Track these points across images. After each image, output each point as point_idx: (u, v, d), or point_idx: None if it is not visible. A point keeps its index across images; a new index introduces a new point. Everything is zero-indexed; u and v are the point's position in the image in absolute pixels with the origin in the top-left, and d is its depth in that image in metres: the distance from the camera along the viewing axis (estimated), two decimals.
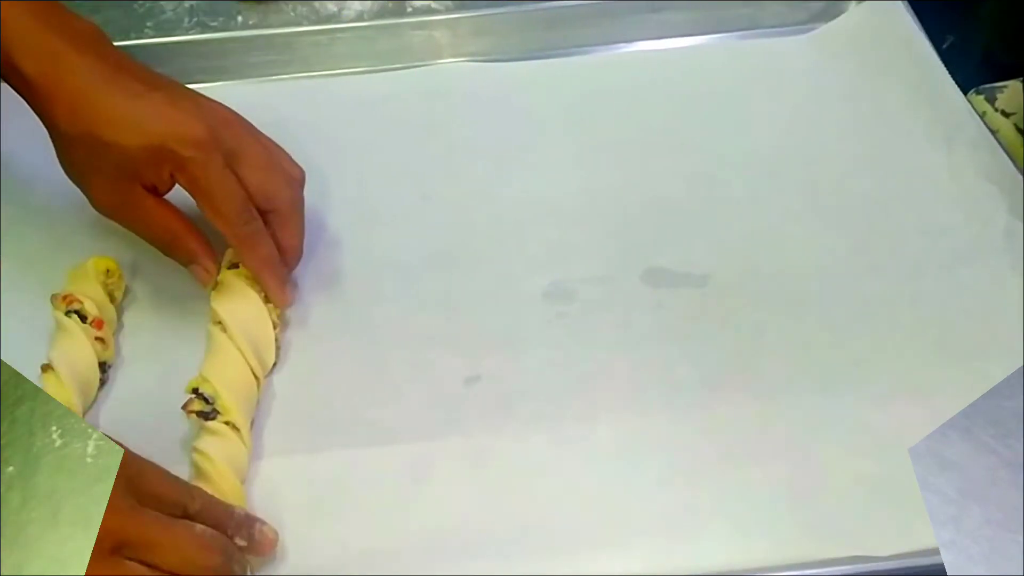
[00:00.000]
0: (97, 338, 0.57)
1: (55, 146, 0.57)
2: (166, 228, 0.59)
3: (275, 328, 0.59)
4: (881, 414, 0.55)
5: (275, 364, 0.58)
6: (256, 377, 0.56)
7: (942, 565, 0.49)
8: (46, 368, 0.55)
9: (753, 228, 0.65)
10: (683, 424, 0.55)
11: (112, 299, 0.60)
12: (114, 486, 0.41)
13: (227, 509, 0.49)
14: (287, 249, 0.60)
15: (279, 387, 0.58)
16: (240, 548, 0.48)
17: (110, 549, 0.43)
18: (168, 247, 0.59)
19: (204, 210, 0.57)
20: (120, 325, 0.61)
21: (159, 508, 0.46)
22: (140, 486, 0.46)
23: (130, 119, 0.55)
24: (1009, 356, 0.58)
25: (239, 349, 0.56)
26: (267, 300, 0.59)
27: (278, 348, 0.59)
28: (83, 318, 0.57)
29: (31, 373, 0.55)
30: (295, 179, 0.60)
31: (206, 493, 0.49)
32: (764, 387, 0.57)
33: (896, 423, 0.55)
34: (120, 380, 0.58)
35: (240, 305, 0.58)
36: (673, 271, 0.63)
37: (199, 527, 0.47)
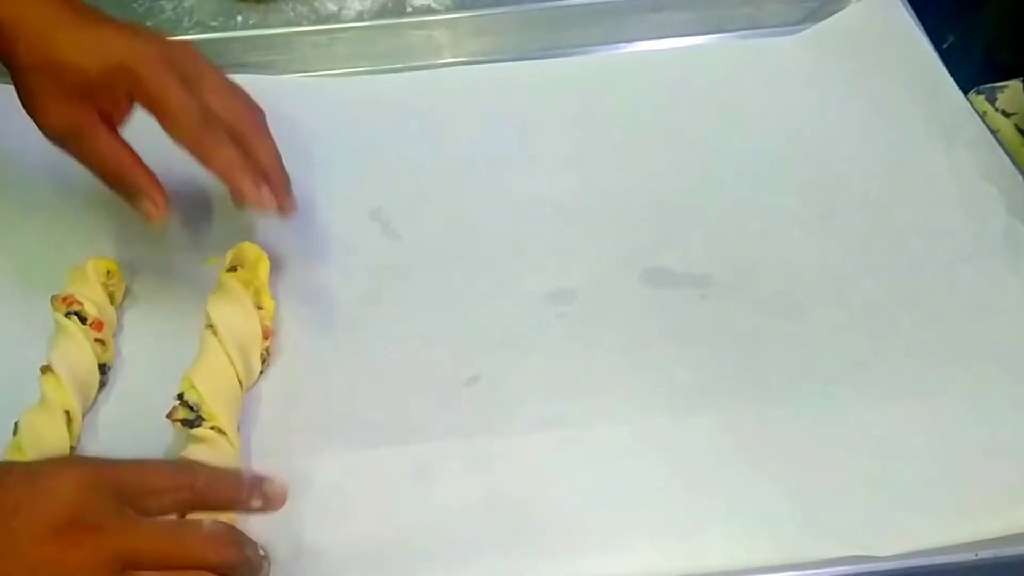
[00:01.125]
0: (97, 340, 0.57)
1: (16, 85, 0.57)
2: (116, 157, 0.57)
3: (267, 336, 0.58)
4: (881, 414, 0.55)
5: (263, 370, 0.58)
6: (241, 382, 0.56)
7: (942, 565, 0.50)
8: (45, 370, 0.55)
9: (753, 228, 0.65)
10: (683, 424, 0.55)
11: (112, 301, 0.60)
12: (103, 504, 0.41)
13: (234, 475, 0.48)
14: (267, 169, 0.58)
15: (277, 389, 0.58)
16: (257, 509, 0.47)
17: (120, 571, 0.42)
18: (117, 178, 0.58)
19: (163, 124, 0.56)
20: (120, 327, 0.61)
21: (162, 504, 0.45)
22: (135, 490, 0.44)
23: (90, 43, 0.55)
24: (1009, 356, 0.58)
25: (227, 354, 0.56)
26: (259, 306, 0.59)
27: (270, 353, 0.59)
28: (83, 320, 0.57)
29: (31, 374, 0.55)
30: (257, 106, 0.60)
31: (208, 466, 0.48)
32: (764, 387, 0.57)
33: (896, 423, 0.55)
34: (119, 382, 0.58)
35: (232, 309, 0.57)
36: (673, 271, 0.63)
37: (206, 524, 0.45)
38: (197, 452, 0.52)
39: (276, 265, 0.62)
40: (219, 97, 0.58)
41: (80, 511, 0.41)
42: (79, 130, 0.57)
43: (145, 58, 0.55)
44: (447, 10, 0.80)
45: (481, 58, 0.78)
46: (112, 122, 0.57)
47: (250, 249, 0.61)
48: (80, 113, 0.56)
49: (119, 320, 0.61)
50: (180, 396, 0.53)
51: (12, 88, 0.69)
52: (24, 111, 0.57)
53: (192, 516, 0.47)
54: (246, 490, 0.47)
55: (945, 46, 0.77)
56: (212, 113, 0.56)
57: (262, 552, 0.47)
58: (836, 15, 0.79)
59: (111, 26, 0.57)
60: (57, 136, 0.57)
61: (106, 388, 0.58)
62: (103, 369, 0.57)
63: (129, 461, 0.46)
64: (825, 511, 0.52)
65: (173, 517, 0.46)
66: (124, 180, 0.58)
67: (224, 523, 0.46)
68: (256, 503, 0.47)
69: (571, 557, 0.50)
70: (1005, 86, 0.84)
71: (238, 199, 0.56)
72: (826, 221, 0.65)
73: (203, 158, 0.56)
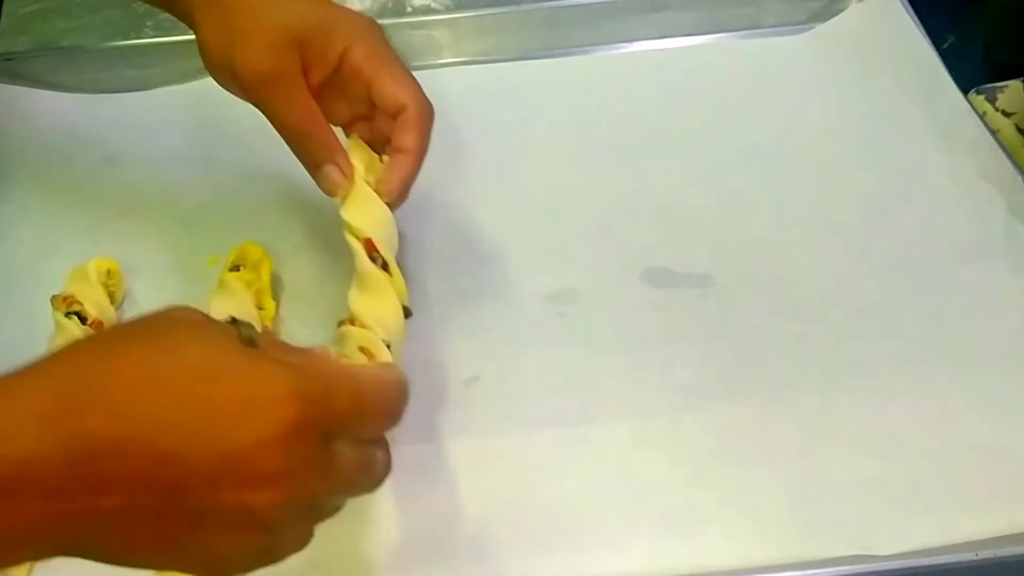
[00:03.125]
0: None
1: (202, 25, 0.53)
2: (312, 114, 0.53)
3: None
4: (881, 414, 0.55)
5: None
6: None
7: (942, 565, 0.50)
8: None
9: (753, 228, 0.65)
10: (683, 424, 0.55)
11: (112, 301, 0.60)
12: (309, 456, 0.36)
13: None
14: (413, 153, 0.55)
15: None
16: None
17: (308, 510, 0.38)
18: (307, 136, 0.54)
19: (385, 84, 0.53)
20: None
21: (368, 437, 0.40)
22: (341, 431, 0.38)
23: None
24: (1009, 356, 0.58)
25: None
26: (260, 306, 0.59)
27: None
28: (83, 319, 0.57)
29: None
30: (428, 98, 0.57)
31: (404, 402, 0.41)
32: (764, 387, 0.57)
33: (896, 423, 0.55)
34: None
35: (234, 309, 0.57)
36: (673, 271, 0.63)
37: (381, 460, 0.40)
38: None
39: (277, 265, 0.62)
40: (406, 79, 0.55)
41: (290, 466, 0.36)
42: (280, 77, 0.52)
43: (365, 27, 0.54)
44: (447, 10, 0.80)
45: (481, 58, 0.78)
46: (311, 79, 0.53)
47: (253, 249, 0.61)
48: (285, 58, 0.52)
49: (119, 320, 0.61)
50: None
51: (12, 88, 0.69)
52: (203, 58, 0.53)
53: None
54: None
55: (945, 46, 0.77)
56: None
57: None
58: (837, 16, 0.79)
59: None
60: (252, 78, 0.52)
61: None
62: None
63: (344, 394, 0.39)
64: (825, 510, 0.52)
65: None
66: (314, 140, 0.54)
67: (387, 454, 0.41)
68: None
69: (571, 557, 0.50)
70: (1005, 86, 0.84)
71: (387, 179, 0.54)
72: (826, 221, 0.65)
73: (413, 125, 0.54)
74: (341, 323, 0.52)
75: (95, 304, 0.58)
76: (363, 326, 0.50)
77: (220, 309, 0.57)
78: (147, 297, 0.62)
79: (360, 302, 0.52)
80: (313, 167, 0.54)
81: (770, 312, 0.61)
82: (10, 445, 0.34)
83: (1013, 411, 0.55)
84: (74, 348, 0.38)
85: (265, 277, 0.61)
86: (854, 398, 0.56)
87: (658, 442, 0.55)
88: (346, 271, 0.63)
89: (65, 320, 0.57)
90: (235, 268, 0.60)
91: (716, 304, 0.61)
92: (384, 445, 0.41)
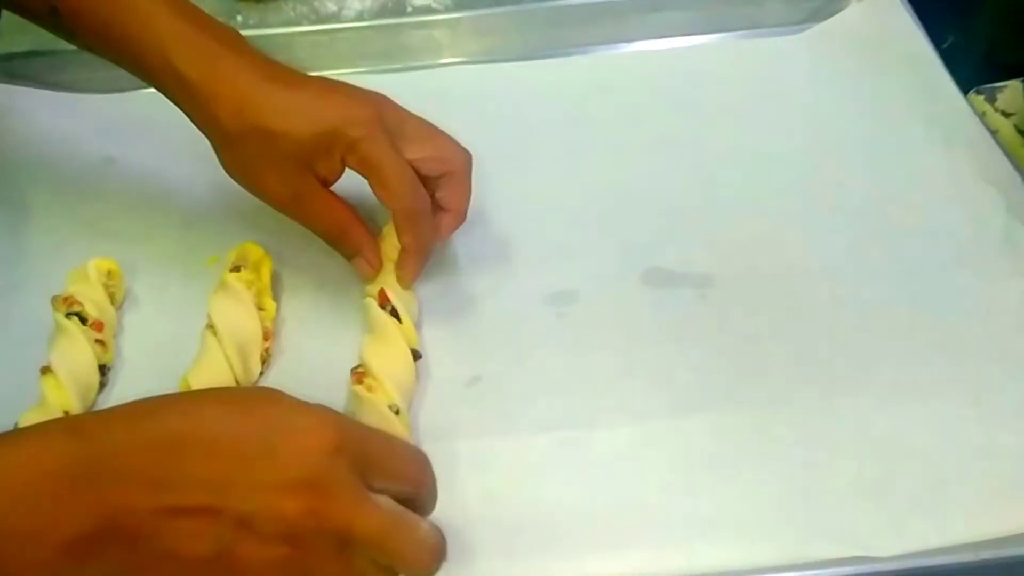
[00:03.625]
0: (97, 340, 0.57)
1: (217, 148, 0.57)
2: (338, 218, 0.59)
3: (267, 338, 0.58)
4: (881, 414, 0.55)
5: (263, 371, 0.58)
6: (239, 383, 0.56)
7: (943, 566, 0.50)
8: (45, 370, 0.55)
9: (753, 228, 0.65)
10: (683, 424, 0.55)
11: (112, 301, 0.60)
12: (344, 474, 0.41)
13: (435, 496, 0.46)
14: (456, 211, 0.60)
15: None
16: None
17: (338, 543, 0.41)
18: (338, 238, 0.60)
19: (375, 187, 0.56)
20: (120, 327, 0.61)
21: (388, 488, 0.43)
22: (372, 465, 0.43)
23: (297, 108, 0.55)
24: (1009, 356, 0.58)
25: (226, 354, 0.55)
26: (260, 307, 0.59)
27: (269, 354, 0.59)
28: (83, 320, 0.57)
29: (31, 375, 0.55)
30: (461, 146, 0.60)
31: (433, 475, 0.46)
32: (764, 388, 0.57)
33: (896, 423, 0.55)
34: (120, 382, 0.58)
35: (234, 310, 0.57)
36: (673, 271, 0.63)
37: (425, 525, 0.43)
38: None
39: (277, 265, 0.62)
40: (426, 145, 0.58)
41: (323, 474, 0.41)
42: (300, 197, 0.58)
43: (357, 121, 0.56)
44: (447, 10, 0.80)
45: (481, 58, 0.78)
46: (328, 183, 0.58)
47: (254, 250, 0.61)
48: (299, 181, 0.57)
49: (119, 321, 0.61)
50: None
51: (12, 88, 0.69)
52: (227, 172, 0.58)
53: None
54: (431, 509, 0.46)
55: (945, 46, 0.77)
56: (424, 164, 0.58)
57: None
58: (837, 15, 0.79)
59: (315, 86, 0.57)
60: (280, 203, 0.59)
61: (106, 389, 0.58)
62: (103, 370, 0.57)
63: (377, 434, 0.46)
64: (825, 512, 0.51)
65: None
66: (344, 240, 0.60)
67: (439, 529, 0.44)
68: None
69: (571, 557, 0.50)
70: (1005, 86, 0.84)
71: (400, 272, 0.60)
72: (826, 221, 0.65)
73: (404, 229, 0.58)
74: (354, 370, 0.55)
75: (95, 304, 0.58)
76: (371, 374, 0.54)
77: (220, 309, 0.57)
78: (147, 297, 0.62)
79: (371, 349, 0.56)
80: (348, 258, 0.61)
81: (770, 312, 0.61)
82: None
83: (1013, 412, 0.55)
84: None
85: (265, 277, 0.61)
86: (854, 398, 0.56)
87: (658, 443, 0.55)
88: (346, 271, 0.63)
89: (65, 321, 0.57)
90: (235, 268, 0.60)
91: (716, 304, 0.61)
92: (433, 524, 0.44)
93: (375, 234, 0.61)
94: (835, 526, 0.51)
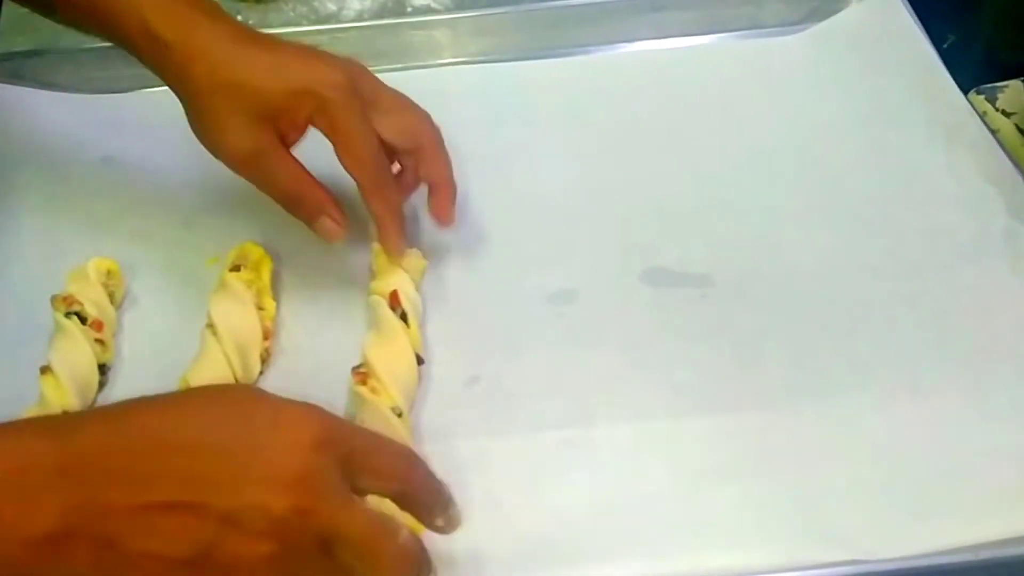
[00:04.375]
0: (97, 340, 0.57)
1: (188, 107, 0.57)
2: (297, 177, 0.58)
3: (267, 337, 0.58)
4: (881, 415, 0.55)
5: (263, 371, 0.58)
6: (238, 382, 0.56)
7: (942, 566, 0.50)
8: (45, 370, 0.55)
9: (753, 228, 0.65)
10: (683, 425, 0.55)
11: (112, 301, 0.60)
12: (330, 471, 0.41)
13: (441, 486, 0.46)
14: (441, 182, 0.61)
15: (276, 389, 0.57)
16: (435, 528, 0.46)
17: (319, 543, 0.41)
18: (296, 198, 0.59)
19: (340, 153, 0.56)
20: (120, 327, 0.61)
21: (376, 487, 0.43)
22: (359, 464, 0.43)
23: (271, 65, 0.56)
24: (1009, 356, 0.58)
25: (225, 354, 0.55)
26: (260, 306, 0.59)
27: (269, 353, 0.59)
28: (83, 320, 0.57)
29: (30, 375, 0.55)
30: (431, 120, 0.61)
31: (425, 465, 0.46)
32: (764, 388, 0.57)
33: (896, 424, 0.55)
34: (119, 382, 0.58)
35: (234, 309, 0.57)
36: (673, 271, 0.63)
37: (404, 534, 0.43)
38: None
39: (277, 265, 0.62)
40: (398, 118, 0.59)
41: (309, 470, 0.40)
42: (261, 153, 0.57)
43: (330, 84, 0.56)
44: (447, 10, 0.80)
45: (481, 58, 0.78)
46: (287, 141, 0.58)
47: (254, 250, 0.61)
48: (262, 136, 0.56)
49: (119, 320, 0.61)
50: None
51: (12, 88, 0.69)
52: (195, 134, 0.57)
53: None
54: (441, 504, 0.46)
55: (945, 46, 0.77)
56: (395, 138, 0.58)
57: None
58: (837, 15, 0.79)
59: (291, 49, 0.57)
60: (238, 158, 0.57)
61: (106, 388, 0.58)
62: (103, 369, 0.57)
63: (363, 431, 0.46)
64: (825, 514, 0.51)
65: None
66: (304, 201, 0.59)
67: (419, 540, 0.44)
68: (440, 522, 0.46)
69: (570, 558, 0.50)
70: (1005, 86, 0.84)
71: (383, 244, 0.59)
72: (826, 221, 0.65)
73: (368, 195, 0.58)
74: (355, 370, 0.55)
75: (95, 304, 0.58)
76: (375, 375, 0.54)
77: (220, 309, 0.57)
78: (147, 297, 0.62)
79: (376, 350, 0.56)
80: (309, 223, 0.59)
81: (770, 312, 0.61)
82: None
83: (1013, 412, 0.55)
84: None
85: (265, 277, 0.61)
86: (854, 399, 0.56)
87: (658, 443, 0.55)
88: (346, 272, 0.63)
89: (65, 320, 0.57)
90: (235, 268, 0.60)
91: (716, 304, 0.61)
92: (414, 534, 0.44)
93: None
94: (835, 528, 0.51)
